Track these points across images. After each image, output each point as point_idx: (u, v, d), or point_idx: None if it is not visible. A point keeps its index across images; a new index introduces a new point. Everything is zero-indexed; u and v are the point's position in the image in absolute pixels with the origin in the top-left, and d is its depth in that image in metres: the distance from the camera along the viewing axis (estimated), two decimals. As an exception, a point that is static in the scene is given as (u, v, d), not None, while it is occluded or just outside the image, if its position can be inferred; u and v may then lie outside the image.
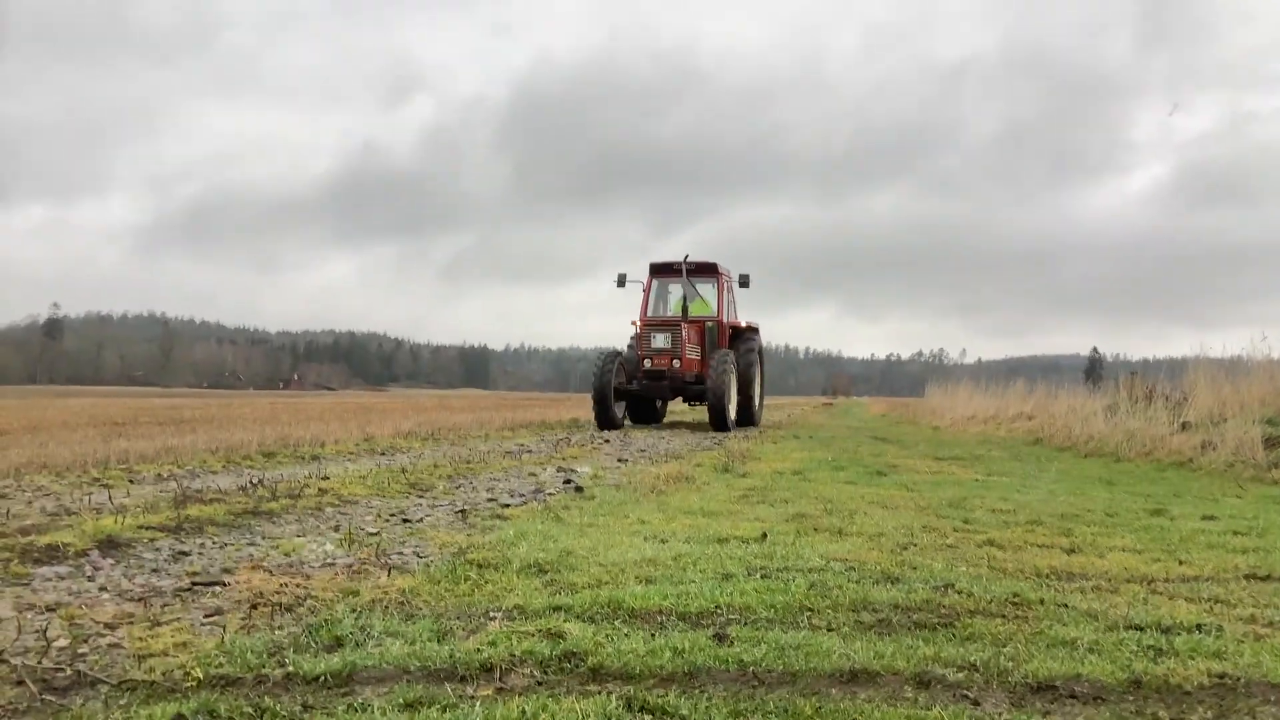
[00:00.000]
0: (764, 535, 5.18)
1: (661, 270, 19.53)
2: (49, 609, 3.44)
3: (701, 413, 23.34)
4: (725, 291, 19.54)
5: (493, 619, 3.39)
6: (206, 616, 3.42)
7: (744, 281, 20.01)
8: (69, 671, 2.78)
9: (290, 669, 2.81)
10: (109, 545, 4.59)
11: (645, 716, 2.52)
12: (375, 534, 5.16)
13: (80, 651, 2.97)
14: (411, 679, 2.76)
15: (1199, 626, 3.39)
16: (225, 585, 3.88)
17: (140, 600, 3.63)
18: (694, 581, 3.97)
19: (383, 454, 11.01)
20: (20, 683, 2.68)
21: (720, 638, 3.17)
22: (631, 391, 18.40)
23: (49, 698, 2.61)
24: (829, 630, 3.32)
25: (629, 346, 18.90)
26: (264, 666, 2.84)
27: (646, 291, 19.46)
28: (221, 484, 7.26)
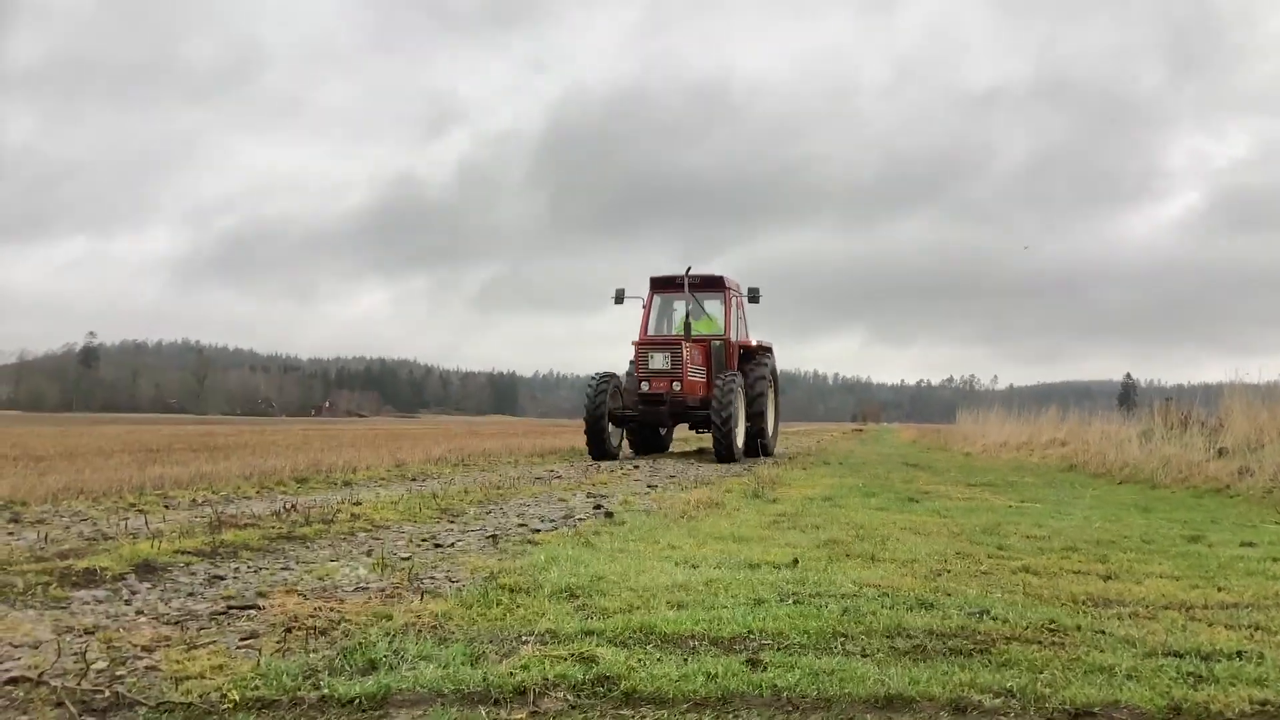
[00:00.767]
0: (795, 561, 5.15)
1: (663, 284, 17.50)
2: (87, 632, 3.49)
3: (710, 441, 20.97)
4: (734, 307, 17.50)
5: (525, 643, 3.40)
6: (242, 640, 3.45)
7: (754, 296, 17.99)
8: (107, 693, 2.81)
9: (325, 692, 2.83)
10: (145, 569, 4.65)
11: (679, 741, 2.52)
12: (407, 559, 5.19)
13: (118, 674, 3.00)
14: (445, 702, 2.77)
15: (1239, 653, 3.34)
16: (260, 609, 3.91)
17: (176, 623, 3.67)
18: (726, 607, 3.96)
19: (414, 480, 11.08)
20: (60, 704, 2.72)
21: (753, 663, 3.16)
22: (628, 417, 16.53)
23: (88, 719, 2.64)
24: (863, 656, 3.30)
25: (628, 373, 16.92)
26: (299, 689, 2.86)
27: (646, 308, 17.43)
28: (255, 509, 7.32)
